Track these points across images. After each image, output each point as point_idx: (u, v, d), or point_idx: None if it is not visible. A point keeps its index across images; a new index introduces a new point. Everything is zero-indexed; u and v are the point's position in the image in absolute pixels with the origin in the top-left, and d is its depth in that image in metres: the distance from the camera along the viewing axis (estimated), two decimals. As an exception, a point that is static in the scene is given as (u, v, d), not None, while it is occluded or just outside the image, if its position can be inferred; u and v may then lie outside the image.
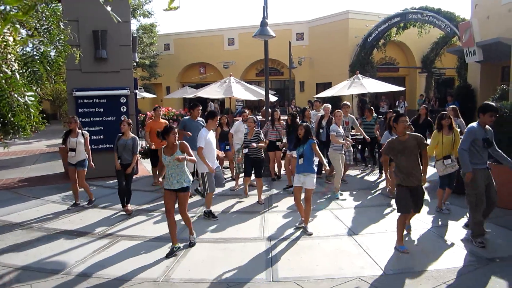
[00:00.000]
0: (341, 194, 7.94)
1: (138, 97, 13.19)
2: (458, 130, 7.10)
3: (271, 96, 15.06)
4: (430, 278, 4.40)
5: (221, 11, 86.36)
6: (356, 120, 9.81)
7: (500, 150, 5.51)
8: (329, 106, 9.67)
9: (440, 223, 6.24)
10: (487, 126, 5.46)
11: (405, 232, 5.47)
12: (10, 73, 2.92)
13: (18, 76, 3.12)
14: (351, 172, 10.02)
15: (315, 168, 6.10)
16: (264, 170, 9.22)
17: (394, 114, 6.84)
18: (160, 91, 29.19)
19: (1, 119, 3.47)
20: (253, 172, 7.84)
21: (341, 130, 7.99)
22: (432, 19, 17.71)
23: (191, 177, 5.56)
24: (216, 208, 7.20)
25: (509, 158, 5.44)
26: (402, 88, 17.09)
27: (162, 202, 7.58)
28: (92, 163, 7.58)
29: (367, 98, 19.75)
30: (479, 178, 5.34)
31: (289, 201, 7.61)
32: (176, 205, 5.39)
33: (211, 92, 16.56)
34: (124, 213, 7.03)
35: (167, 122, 9.41)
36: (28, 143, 16.41)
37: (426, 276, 4.44)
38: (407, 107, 20.39)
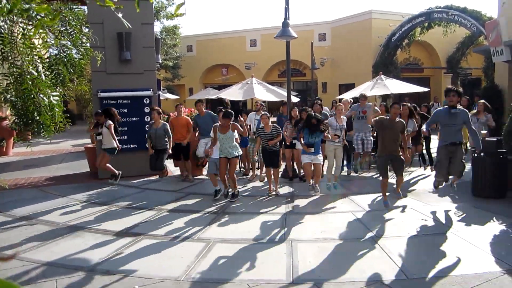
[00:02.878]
0: (334, 187, 8.16)
1: (161, 98, 13.37)
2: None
3: (293, 97, 15.02)
4: (454, 283, 4.30)
5: (243, 13, 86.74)
6: (375, 107, 9.71)
7: (475, 130, 6.89)
8: (348, 100, 9.87)
9: (465, 227, 6.10)
10: (459, 107, 6.72)
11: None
12: (36, 74, 3.02)
13: (44, 77, 3.23)
14: (374, 174, 9.89)
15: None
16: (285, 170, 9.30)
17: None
18: (183, 92, 29.48)
19: (26, 118, 3.60)
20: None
21: (342, 123, 8.36)
22: (458, 18, 17.33)
23: (240, 150, 7.65)
24: (238, 209, 7.26)
25: (479, 139, 6.83)
26: (426, 89, 16.81)
27: (184, 202, 7.77)
28: (118, 144, 8.57)
29: (390, 99, 19.46)
30: (441, 153, 6.76)
31: (311, 203, 7.58)
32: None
33: (233, 93, 16.64)
34: (147, 213, 7.14)
35: (188, 118, 9.62)
36: (55, 142, 16.82)
37: (450, 282, 4.34)
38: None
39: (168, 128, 8.86)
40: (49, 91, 3.46)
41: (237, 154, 7.52)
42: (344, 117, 8.70)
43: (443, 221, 6.35)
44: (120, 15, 3.00)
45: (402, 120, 7.14)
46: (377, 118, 7.20)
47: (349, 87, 21.22)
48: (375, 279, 4.43)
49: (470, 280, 4.35)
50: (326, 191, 8.13)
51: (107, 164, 8.55)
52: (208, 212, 7.04)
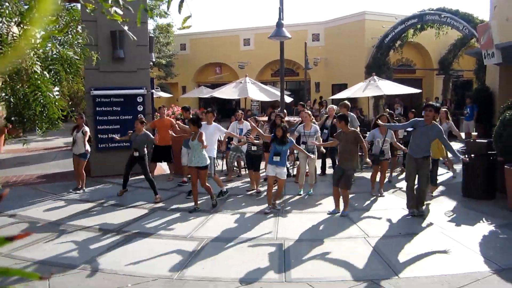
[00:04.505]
0: (309, 194, 8.13)
1: (154, 96, 13.34)
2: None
3: (286, 97, 15.08)
4: (444, 282, 4.37)
5: (237, 12, 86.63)
6: (356, 119, 9.67)
7: (452, 146, 6.65)
8: (334, 107, 9.82)
9: (455, 227, 6.18)
10: (434, 122, 6.58)
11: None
12: (39, 72, 3.06)
13: (47, 75, 3.28)
14: (367, 174, 9.95)
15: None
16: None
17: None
18: (176, 91, 29.37)
19: (21, 117, 3.61)
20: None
21: (310, 130, 8.21)
22: (450, 20, 17.47)
23: (208, 160, 7.16)
24: (230, 208, 7.29)
25: (458, 154, 6.61)
26: (418, 91, 16.91)
27: (176, 200, 7.79)
28: (88, 148, 8.48)
29: (383, 99, 19.59)
30: (409, 163, 6.74)
31: (303, 204, 7.63)
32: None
33: (227, 92, 16.66)
34: (139, 211, 7.14)
35: (172, 120, 9.60)
36: (46, 140, 16.72)
37: (440, 281, 4.41)
38: None
39: (152, 137, 8.15)
40: (52, 87, 3.54)
41: (204, 165, 7.06)
42: (314, 125, 8.54)
43: (434, 221, 6.42)
44: (126, 28, 3.05)
45: (354, 130, 6.99)
46: (337, 133, 7.03)
47: (342, 87, 21.32)
48: (366, 278, 4.49)
49: (459, 279, 4.42)
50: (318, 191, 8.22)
51: (83, 171, 8.53)
52: (201, 211, 7.05)
